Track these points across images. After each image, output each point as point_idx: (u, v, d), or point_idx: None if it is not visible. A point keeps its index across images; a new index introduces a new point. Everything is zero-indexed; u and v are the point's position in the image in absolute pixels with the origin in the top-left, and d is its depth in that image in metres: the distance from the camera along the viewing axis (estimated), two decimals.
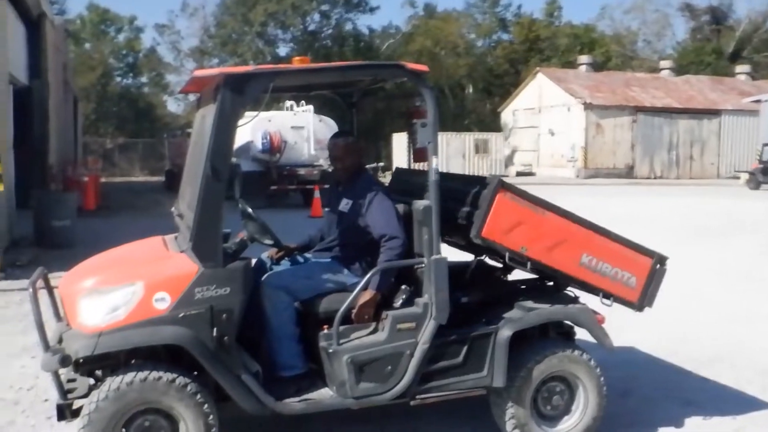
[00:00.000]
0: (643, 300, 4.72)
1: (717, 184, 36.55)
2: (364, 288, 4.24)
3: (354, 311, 4.22)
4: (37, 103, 19.09)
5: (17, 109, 16.05)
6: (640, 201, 24.31)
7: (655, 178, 40.20)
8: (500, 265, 5.22)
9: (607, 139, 39.76)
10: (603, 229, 4.65)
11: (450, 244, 5.02)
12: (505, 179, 4.37)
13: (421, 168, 5.10)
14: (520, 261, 4.42)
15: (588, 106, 39.35)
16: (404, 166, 5.73)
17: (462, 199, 4.47)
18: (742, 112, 41.55)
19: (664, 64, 49.36)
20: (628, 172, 39.98)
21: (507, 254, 4.37)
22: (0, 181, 10.69)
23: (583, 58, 46.62)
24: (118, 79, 59.61)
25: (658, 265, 4.73)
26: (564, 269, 4.50)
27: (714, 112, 41.85)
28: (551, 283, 4.93)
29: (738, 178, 35.54)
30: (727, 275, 10.73)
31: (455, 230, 4.54)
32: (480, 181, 4.44)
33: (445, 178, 4.57)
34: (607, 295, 4.66)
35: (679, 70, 49.53)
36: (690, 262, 11.32)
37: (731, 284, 10.06)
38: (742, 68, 49.79)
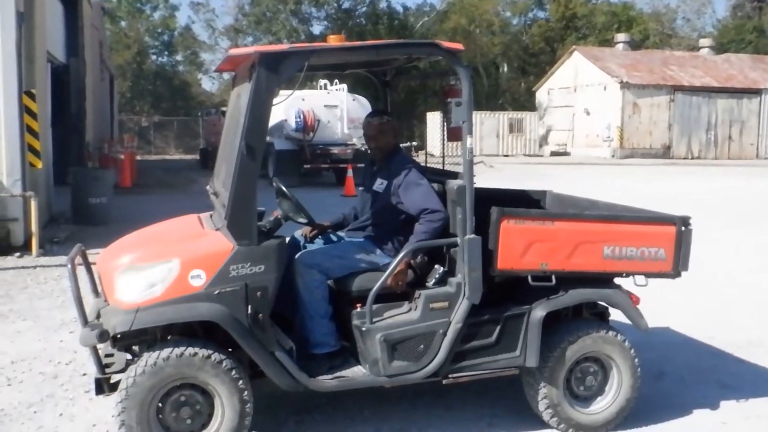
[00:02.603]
0: (677, 266, 4.62)
1: (756, 164, 35.92)
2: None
3: (390, 279, 4.22)
4: (74, 81, 19.33)
5: (55, 87, 16.28)
6: (678, 182, 23.99)
7: (692, 158, 39.61)
8: None
9: (644, 119, 39.21)
10: (615, 215, 4.61)
11: None
12: (505, 209, 4.28)
13: (450, 153, 5.08)
14: (544, 278, 4.36)
15: (625, 85, 38.80)
16: (438, 145, 5.67)
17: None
18: None
19: (703, 42, 48.35)
20: (665, 153, 39.44)
21: (529, 276, 4.33)
22: (39, 158, 10.85)
23: (621, 37, 45.89)
24: (154, 57, 60.05)
25: (683, 228, 4.62)
26: (590, 268, 4.44)
27: (754, 92, 41.03)
28: None
29: None
30: (764, 257, 10.55)
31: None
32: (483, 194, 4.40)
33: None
34: (640, 277, 4.60)
35: (719, 48, 48.56)
36: (729, 245, 11.18)
37: None
38: None
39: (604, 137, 39.49)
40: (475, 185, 4.24)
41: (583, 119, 41.49)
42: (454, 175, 4.43)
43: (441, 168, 5.21)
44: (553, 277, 4.37)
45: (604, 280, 4.71)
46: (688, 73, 41.62)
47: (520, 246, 4.28)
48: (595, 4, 59.73)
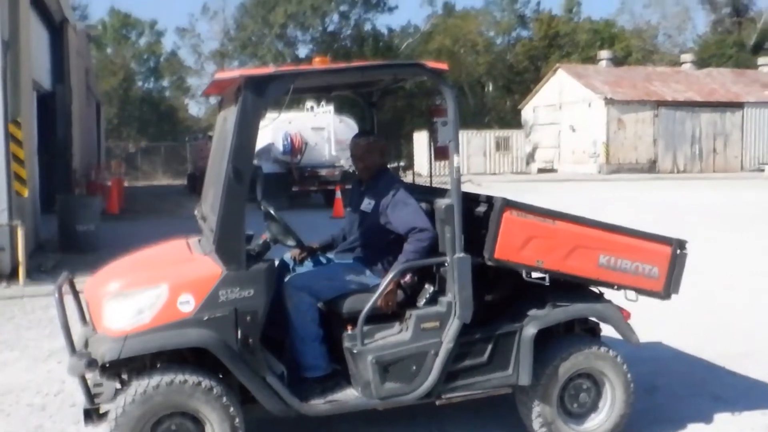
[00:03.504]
0: (668, 288, 4.66)
1: (741, 177, 36.17)
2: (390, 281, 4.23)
3: (380, 300, 4.21)
4: (61, 108, 19.27)
5: (41, 114, 16.23)
6: (665, 195, 24.09)
7: (678, 172, 39.84)
8: None
9: (629, 134, 39.44)
10: (616, 227, 4.61)
11: None
12: (509, 199, 4.32)
13: (437, 172, 5.09)
14: (538, 273, 4.39)
15: (609, 102, 39.07)
16: (425, 165, 5.67)
17: (469, 220, 4.45)
18: (765, 104, 41.14)
19: (685, 57, 48.91)
20: (651, 167, 39.66)
21: (524, 270, 4.36)
22: (24, 186, 10.78)
23: (604, 54, 46.36)
24: (140, 83, 60.17)
25: (679, 251, 4.66)
26: (583, 274, 4.47)
27: (737, 105, 41.38)
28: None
29: (762, 170, 35.21)
30: (755, 270, 10.58)
31: (467, 250, 4.52)
32: (484, 201, 4.43)
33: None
34: (631, 291, 4.61)
35: (701, 63, 49.06)
36: (718, 257, 11.21)
37: (759, 279, 9.92)
38: (764, 60, 49.07)
39: (591, 153, 39.69)
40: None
41: (569, 136, 41.71)
42: (442, 192, 4.43)
43: (429, 185, 5.21)
44: (547, 278, 4.37)
45: (594, 295, 4.72)
46: (671, 88, 41.97)
47: (520, 239, 4.28)
48: (577, 22, 60.35)
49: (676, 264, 4.64)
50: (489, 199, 4.42)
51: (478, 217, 4.43)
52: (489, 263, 4.28)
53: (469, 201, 4.62)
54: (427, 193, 4.81)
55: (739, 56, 53.78)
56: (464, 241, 4.19)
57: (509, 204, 4.28)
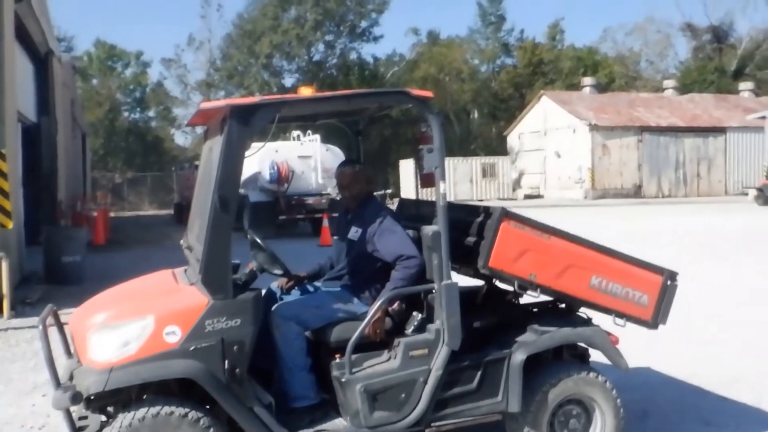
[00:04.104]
0: (656, 317, 4.68)
1: (725, 201, 36.44)
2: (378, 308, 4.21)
3: (368, 328, 4.18)
4: (46, 139, 19.24)
5: (26, 146, 16.20)
6: (651, 220, 24.22)
7: (663, 197, 40.15)
8: (511, 289, 5.19)
9: (614, 160, 39.77)
10: (610, 250, 4.62)
11: (459, 272, 4.99)
12: (508, 209, 4.35)
13: (424, 198, 5.09)
14: (528, 289, 4.40)
15: (593, 128, 39.41)
16: (412, 192, 5.69)
17: (466, 230, 4.46)
18: (747, 128, 41.59)
19: (667, 83, 49.54)
20: (636, 192, 39.96)
21: (516, 282, 4.36)
22: (9, 218, 10.72)
23: (587, 80, 46.87)
24: (126, 113, 60.13)
25: (669, 281, 4.69)
26: (574, 293, 4.47)
27: (719, 130, 41.88)
28: (563, 305, 4.90)
29: (746, 194, 35.46)
30: (743, 294, 10.62)
31: (462, 260, 4.52)
32: (484, 211, 4.44)
33: (449, 208, 4.55)
34: (620, 316, 4.62)
35: (683, 89, 49.70)
36: (705, 281, 11.24)
37: (748, 303, 9.95)
38: (745, 85, 49.90)
39: (576, 179, 39.95)
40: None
41: (555, 162, 42.00)
42: (430, 205, 4.42)
43: (415, 198, 5.20)
44: (539, 290, 4.38)
45: (583, 320, 4.71)
46: (654, 113, 42.42)
47: (515, 250, 4.28)
48: (560, 49, 61.01)
49: (665, 294, 4.67)
50: (486, 210, 4.42)
51: (475, 227, 4.42)
52: (483, 271, 4.28)
53: (468, 212, 4.64)
54: (414, 221, 4.79)
55: (721, 82, 54.49)
56: (463, 253, 4.16)
57: (507, 214, 4.30)
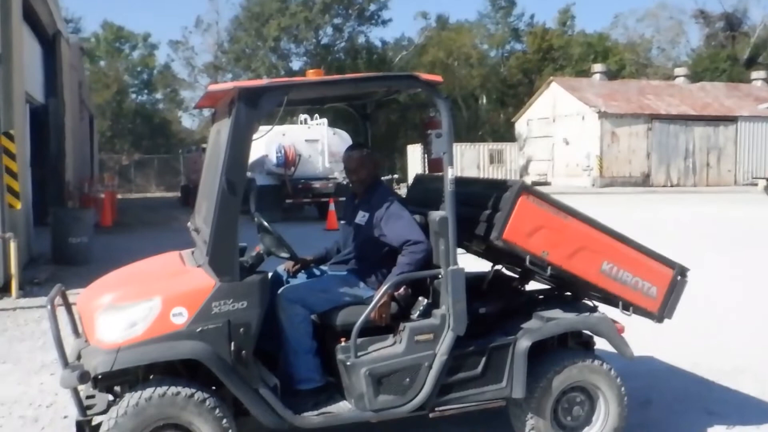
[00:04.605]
0: (663, 311, 4.67)
1: (734, 191, 36.30)
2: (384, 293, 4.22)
3: (373, 312, 4.20)
4: (54, 121, 19.26)
5: (34, 128, 16.21)
6: (658, 209, 24.16)
7: (671, 185, 40.00)
8: (517, 275, 5.20)
9: (623, 148, 39.61)
10: (625, 238, 4.60)
11: (468, 250, 5.00)
12: (527, 184, 4.35)
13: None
14: (540, 265, 4.37)
15: (603, 115, 39.24)
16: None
17: (483, 203, 4.44)
18: (758, 118, 41.35)
19: (678, 71, 49.15)
20: (644, 180, 39.82)
21: (528, 258, 4.32)
22: (18, 199, 10.76)
23: (597, 67, 46.55)
24: (133, 95, 60.22)
25: (679, 277, 4.68)
26: (584, 276, 4.45)
27: (730, 119, 41.62)
28: (569, 293, 4.91)
29: (755, 184, 35.31)
30: (749, 285, 10.60)
31: (474, 236, 4.51)
32: (502, 185, 4.42)
33: (466, 183, 4.55)
34: (626, 305, 4.61)
35: (694, 77, 49.35)
36: (712, 272, 11.21)
37: (753, 294, 9.94)
38: (757, 74, 49.45)
39: (584, 166, 39.83)
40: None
41: (563, 149, 41.86)
42: (436, 206, 4.43)
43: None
44: (549, 269, 4.35)
45: (588, 308, 4.72)
46: (664, 101, 42.19)
47: (530, 225, 4.27)
48: (571, 35, 60.67)
49: (674, 289, 4.66)
50: (505, 183, 4.41)
51: (492, 200, 4.39)
52: (496, 243, 4.24)
53: (486, 186, 4.66)
54: (421, 206, 4.78)
55: (733, 70, 54.10)
56: (471, 225, 4.16)
57: (527, 189, 4.29)
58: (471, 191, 4.49)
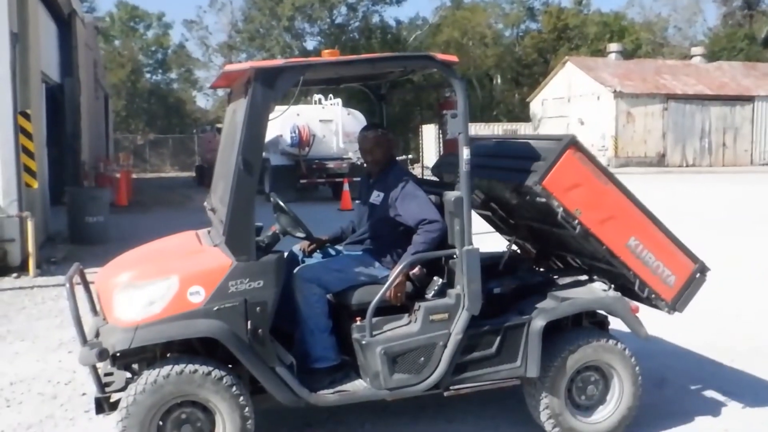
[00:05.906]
0: (676, 302, 4.64)
1: (751, 171, 36.02)
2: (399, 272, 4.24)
3: (389, 292, 4.21)
4: (69, 100, 19.31)
5: (50, 107, 16.28)
6: (675, 189, 24.00)
7: (687, 166, 39.72)
8: (530, 257, 5.20)
9: (638, 128, 39.33)
10: (657, 220, 4.58)
11: (488, 220, 4.98)
12: (578, 140, 4.34)
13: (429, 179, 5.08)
14: (569, 223, 4.34)
15: (618, 95, 38.95)
16: (434, 158, 5.68)
17: (527, 154, 4.44)
18: None
19: (695, 50, 48.57)
20: (660, 161, 39.55)
21: (560, 211, 4.30)
22: (34, 178, 10.84)
23: (613, 46, 46.07)
24: (148, 75, 60.22)
25: (699, 274, 4.65)
26: (609, 245, 4.42)
27: (747, 99, 41.20)
28: (584, 277, 4.90)
29: None
30: (766, 265, 10.53)
31: (507, 189, 4.57)
32: (551, 138, 4.43)
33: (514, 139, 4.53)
34: (642, 287, 4.59)
35: (711, 56, 48.79)
36: (728, 252, 11.14)
37: None
38: None
39: (599, 147, 39.56)
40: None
41: (578, 129, 41.49)
42: (451, 186, 4.43)
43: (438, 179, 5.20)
44: (578, 228, 4.33)
45: (603, 288, 4.71)
46: (680, 81, 41.79)
47: (571, 180, 4.28)
48: (586, 14, 60.05)
49: (691, 284, 4.64)
50: (555, 136, 4.42)
51: (537, 151, 4.41)
52: (534, 188, 4.23)
53: (534, 139, 4.68)
54: (435, 186, 4.78)
55: (750, 49, 53.45)
56: (520, 176, 4.25)
57: (576, 144, 4.30)
58: (516, 145, 4.46)
